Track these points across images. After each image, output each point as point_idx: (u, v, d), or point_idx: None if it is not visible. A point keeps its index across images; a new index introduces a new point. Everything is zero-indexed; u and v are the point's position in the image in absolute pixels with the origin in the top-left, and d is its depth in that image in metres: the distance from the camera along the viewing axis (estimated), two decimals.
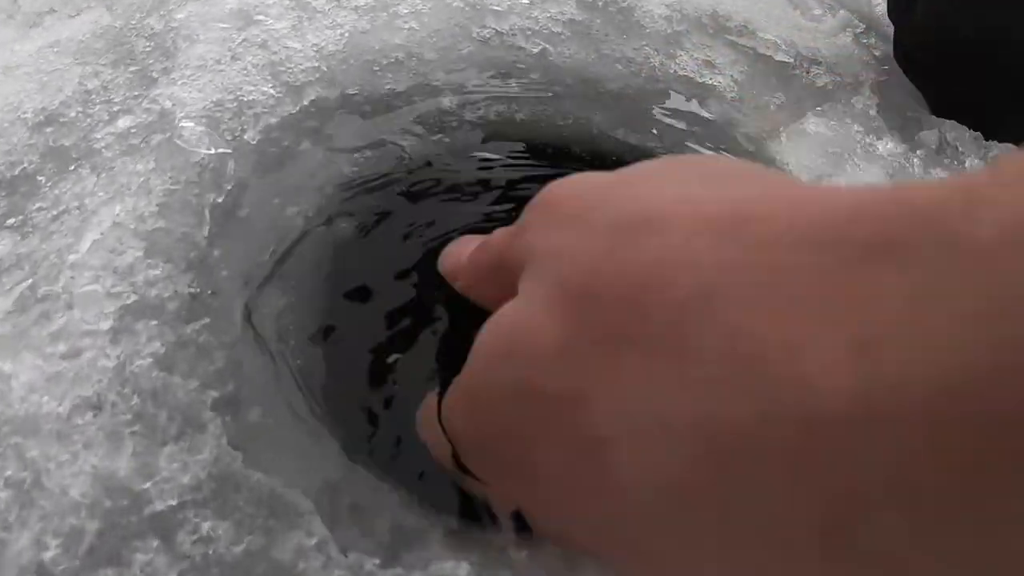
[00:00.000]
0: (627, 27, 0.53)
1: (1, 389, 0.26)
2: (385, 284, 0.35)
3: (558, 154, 0.43)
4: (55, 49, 0.47)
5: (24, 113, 0.41)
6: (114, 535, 0.23)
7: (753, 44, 0.55)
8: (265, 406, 0.29)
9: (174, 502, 0.24)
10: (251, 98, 0.40)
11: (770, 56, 0.55)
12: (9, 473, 0.24)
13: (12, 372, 0.27)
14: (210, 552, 0.23)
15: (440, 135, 0.44)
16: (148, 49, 0.45)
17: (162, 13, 0.49)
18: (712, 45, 0.54)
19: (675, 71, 0.51)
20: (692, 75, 0.51)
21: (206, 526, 0.24)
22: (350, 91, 0.43)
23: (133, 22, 0.49)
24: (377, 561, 0.24)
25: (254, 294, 0.33)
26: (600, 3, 0.54)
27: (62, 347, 0.27)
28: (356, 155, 0.41)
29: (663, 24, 0.53)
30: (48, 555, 0.23)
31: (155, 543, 0.23)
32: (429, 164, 0.41)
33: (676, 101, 0.49)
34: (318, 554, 0.24)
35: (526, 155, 0.43)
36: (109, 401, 0.26)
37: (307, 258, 0.36)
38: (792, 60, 0.55)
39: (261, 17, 0.45)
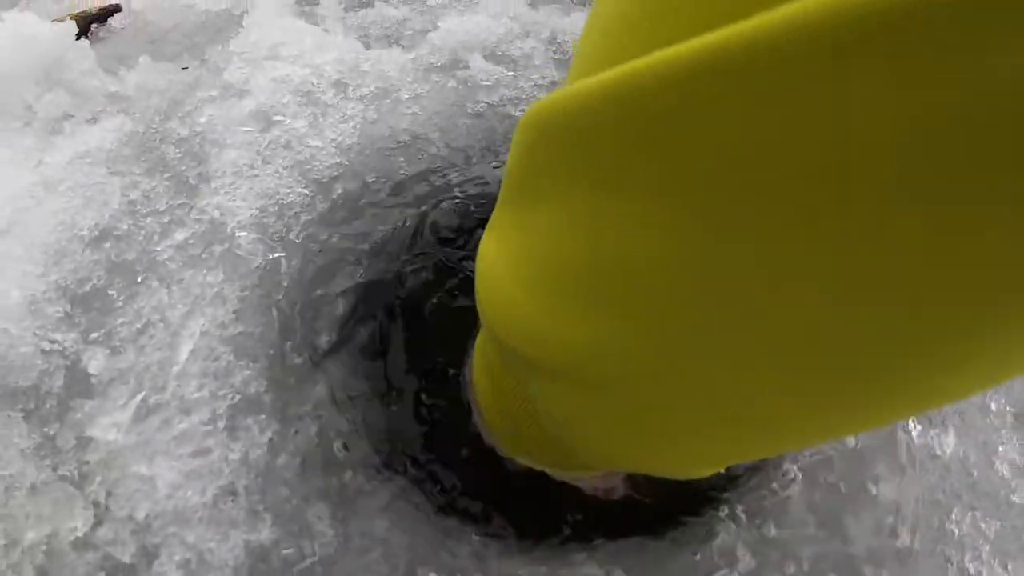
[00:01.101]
0: None
1: (146, 489, 0.32)
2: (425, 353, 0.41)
3: None
4: (87, 160, 0.51)
5: (80, 230, 0.45)
6: None
7: None
8: (359, 466, 0.35)
9: (315, 558, 0.30)
10: (288, 200, 0.45)
11: None
12: (177, 557, 0.29)
13: (153, 474, 0.32)
14: None
15: (447, 205, 0.50)
16: (178, 155, 0.50)
17: (181, 116, 0.54)
18: None
19: None
20: None
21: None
22: (369, 179, 0.49)
23: (155, 126, 0.54)
24: None
25: (326, 376, 0.39)
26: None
27: (190, 448, 0.33)
28: (380, 235, 0.47)
29: None
30: None
31: None
32: (440, 236, 0.48)
33: None
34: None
35: None
36: (242, 486, 0.32)
37: (356, 339, 0.42)
38: None
39: (279, 117, 0.51)
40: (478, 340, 0.33)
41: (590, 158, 0.19)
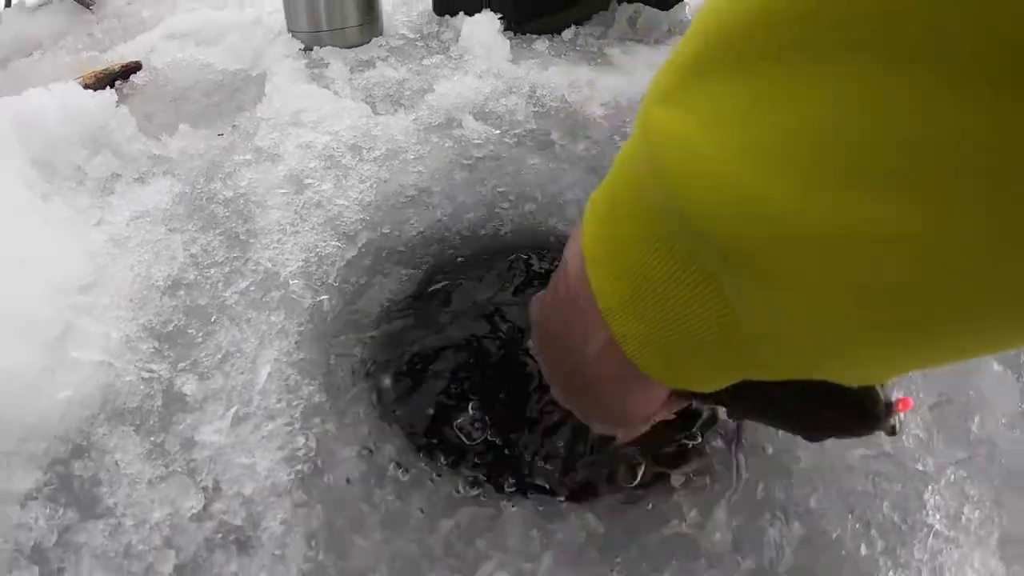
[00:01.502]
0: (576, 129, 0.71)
1: (249, 473, 0.43)
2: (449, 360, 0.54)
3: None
4: (147, 219, 0.61)
5: (155, 281, 0.56)
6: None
7: None
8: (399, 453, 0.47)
9: (376, 516, 0.42)
10: (326, 252, 0.57)
11: None
12: (279, 517, 0.41)
13: (252, 463, 0.44)
14: None
15: (448, 250, 0.62)
16: (227, 214, 0.61)
17: (222, 178, 0.64)
18: None
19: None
20: None
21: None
22: (385, 230, 0.61)
23: (199, 187, 0.64)
24: None
25: (366, 383, 0.51)
26: (552, 112, 0.73)
27: (277, 443, 0.45)
28: (401, 276, 0.59)
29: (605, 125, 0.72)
30: None
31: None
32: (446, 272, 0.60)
33: None
34: None
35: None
36: (320, 461, 0.44)
37: (384, 351, 0.54)
38: None
39: (309, 180, 0.62)
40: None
41: (866, 20, 0.17)
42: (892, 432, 0.30)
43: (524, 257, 0.62)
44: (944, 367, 0.51)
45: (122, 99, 0.78)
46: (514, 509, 0.45)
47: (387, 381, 0.52)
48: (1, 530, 0.41)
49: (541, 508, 0.46)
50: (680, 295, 0.25)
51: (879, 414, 0.29)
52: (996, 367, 0.52)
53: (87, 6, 1.10)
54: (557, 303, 0.34)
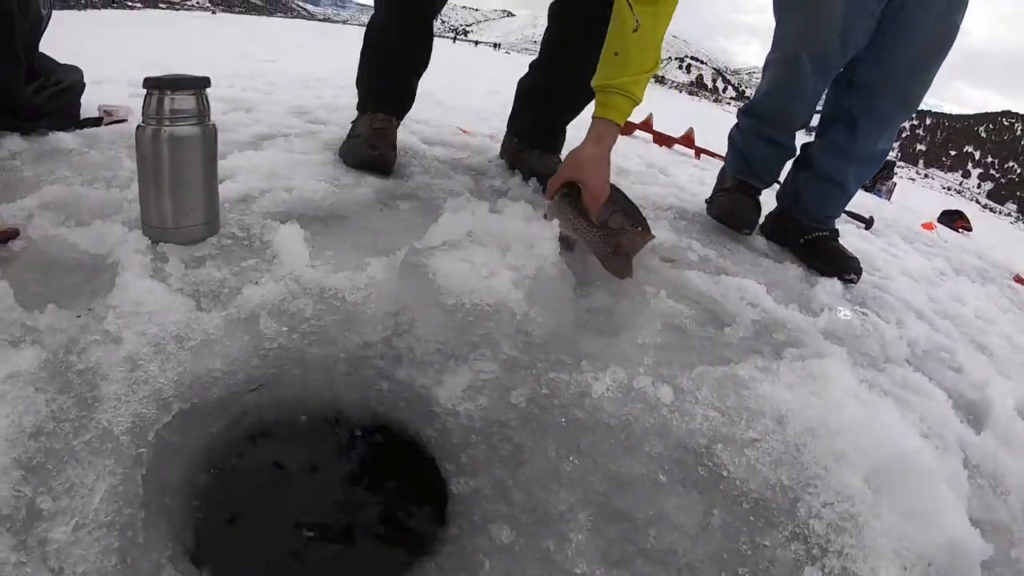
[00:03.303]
0: None
1: (83, 560, 0.76)
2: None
3: None
4: (20, 379, 0.91)
5: (25, 428, 0.86)
6: None
7: None
8: None
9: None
10: (148, 417, 0.91)
11: None
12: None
13: (85, 554, 0.76)
14: None
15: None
16: (79, 383, 0.92)
17: (77, 352, 0.96)
18: None
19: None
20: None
21: None
22: (195, 400, 0.96)
23: (59, 357, 0.95)
24: None
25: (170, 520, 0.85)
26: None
27: (104, 543, 0.78)
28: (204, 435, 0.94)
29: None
30: None
31: None
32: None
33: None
34: None
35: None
36: (128, 559, 0.77)
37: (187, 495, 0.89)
38: None
39: (141, 361, 0.96)
40: None
41: None
42: None
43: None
44: None
45: (1, 263, 1.07)
46: None
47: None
48: None
49: None
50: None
51: None
52: None
53: None
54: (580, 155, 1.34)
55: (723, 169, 2.20)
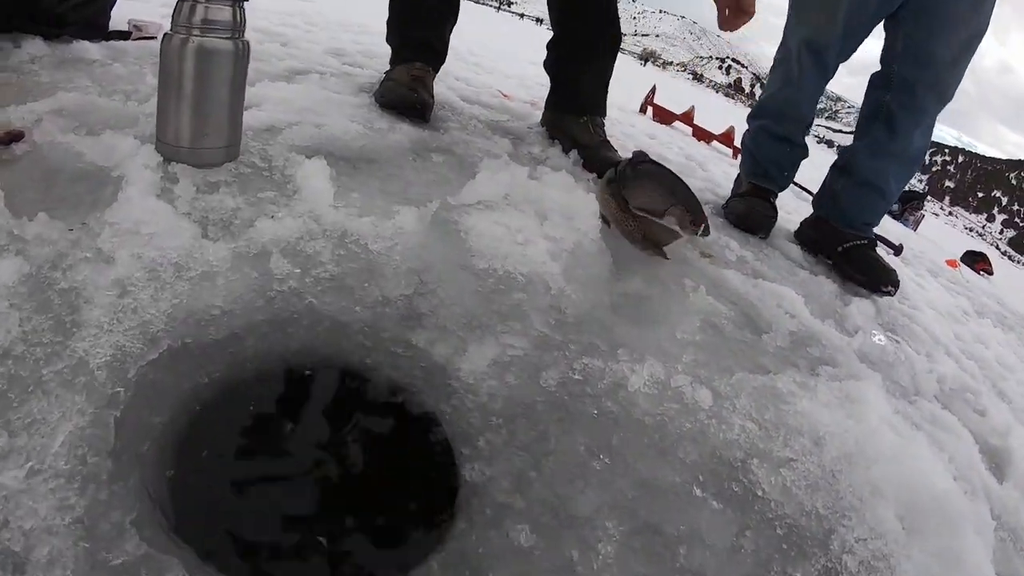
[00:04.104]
0: None
1: (32, 514, 0.65)
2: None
3: None
4: None
5: None
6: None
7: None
8: None
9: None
10: (130, 351, 0.80)
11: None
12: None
13: (35, 507, 0.65)
14: None
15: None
16: (60, 303, 0.81)
17: (63, 269, 0.85)
18: None
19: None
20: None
21: None
22: (187, 341, 0.84)
23: (43, 272, 0.84)
24: None
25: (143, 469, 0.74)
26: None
27: (59, 496, 0.67)
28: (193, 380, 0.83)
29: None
30: None
31: None
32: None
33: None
34: None
35: None
36: (87, 519, 0.66)
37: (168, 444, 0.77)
38: None
39: (131, 288, 0.84)
40: None
41: None
42: None
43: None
44: None
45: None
46: None
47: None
48: None
49: None
50: None
51: None
52: None
53: None
54: None
55: (739, 175, 2.23)
